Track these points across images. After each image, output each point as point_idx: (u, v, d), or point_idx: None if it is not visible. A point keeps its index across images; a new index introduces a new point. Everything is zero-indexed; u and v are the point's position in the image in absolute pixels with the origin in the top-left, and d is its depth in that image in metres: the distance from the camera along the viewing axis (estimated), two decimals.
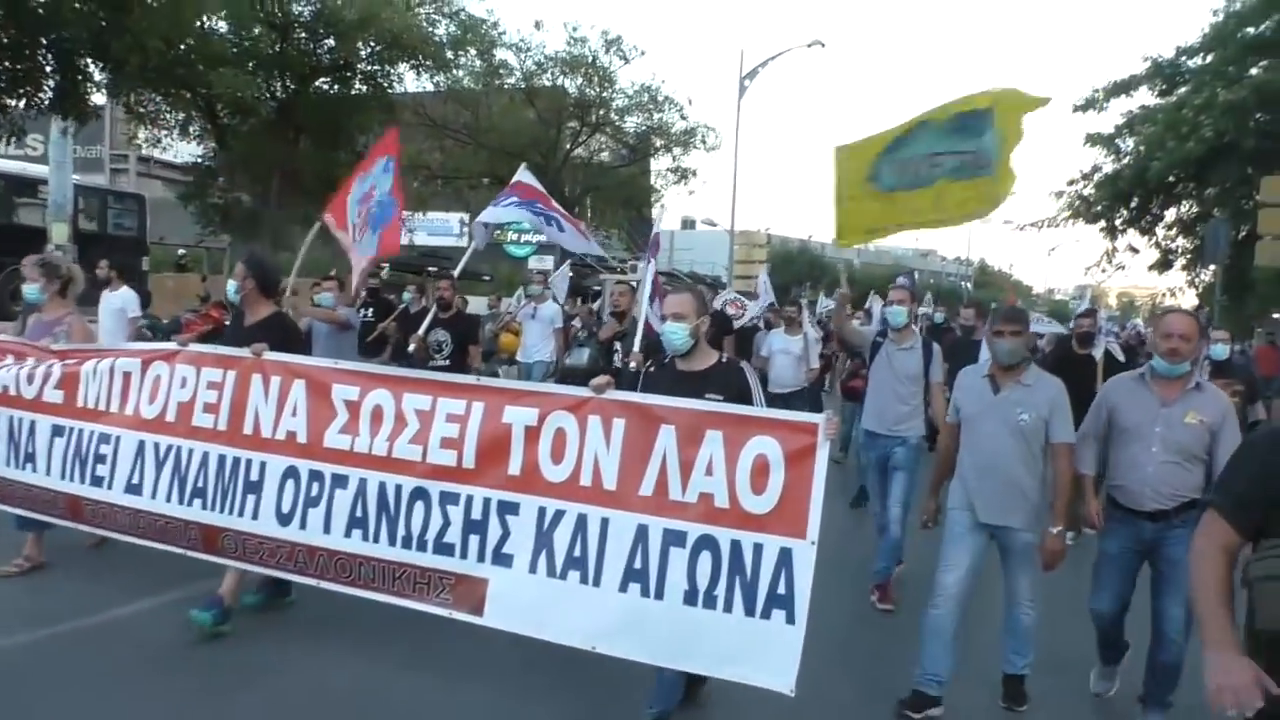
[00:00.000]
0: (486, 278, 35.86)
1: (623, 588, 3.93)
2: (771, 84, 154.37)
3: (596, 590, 3.96)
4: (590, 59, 22.56)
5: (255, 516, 4.67)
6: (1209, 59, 20.36)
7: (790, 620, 3.69)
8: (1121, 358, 9.13)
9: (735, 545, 3.80)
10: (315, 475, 4.58)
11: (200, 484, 4.83)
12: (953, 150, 4.93)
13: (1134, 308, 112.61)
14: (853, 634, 5.78)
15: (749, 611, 3.74)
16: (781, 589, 3.72)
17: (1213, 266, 22.42)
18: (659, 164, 25.00)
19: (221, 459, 4.80)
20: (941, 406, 6.44)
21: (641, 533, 3.93)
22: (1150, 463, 4.28)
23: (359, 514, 4.43)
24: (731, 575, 3.78)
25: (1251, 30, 19.07)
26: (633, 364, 6.15)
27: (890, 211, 5.20)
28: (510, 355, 13.33)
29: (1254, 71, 18.97)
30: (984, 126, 4.79)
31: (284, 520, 4.60)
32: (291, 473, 4.63)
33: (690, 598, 3.83)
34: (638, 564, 3.92)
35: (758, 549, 3.77)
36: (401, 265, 31.31)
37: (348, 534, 4.44)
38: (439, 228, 38.00)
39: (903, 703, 4.53)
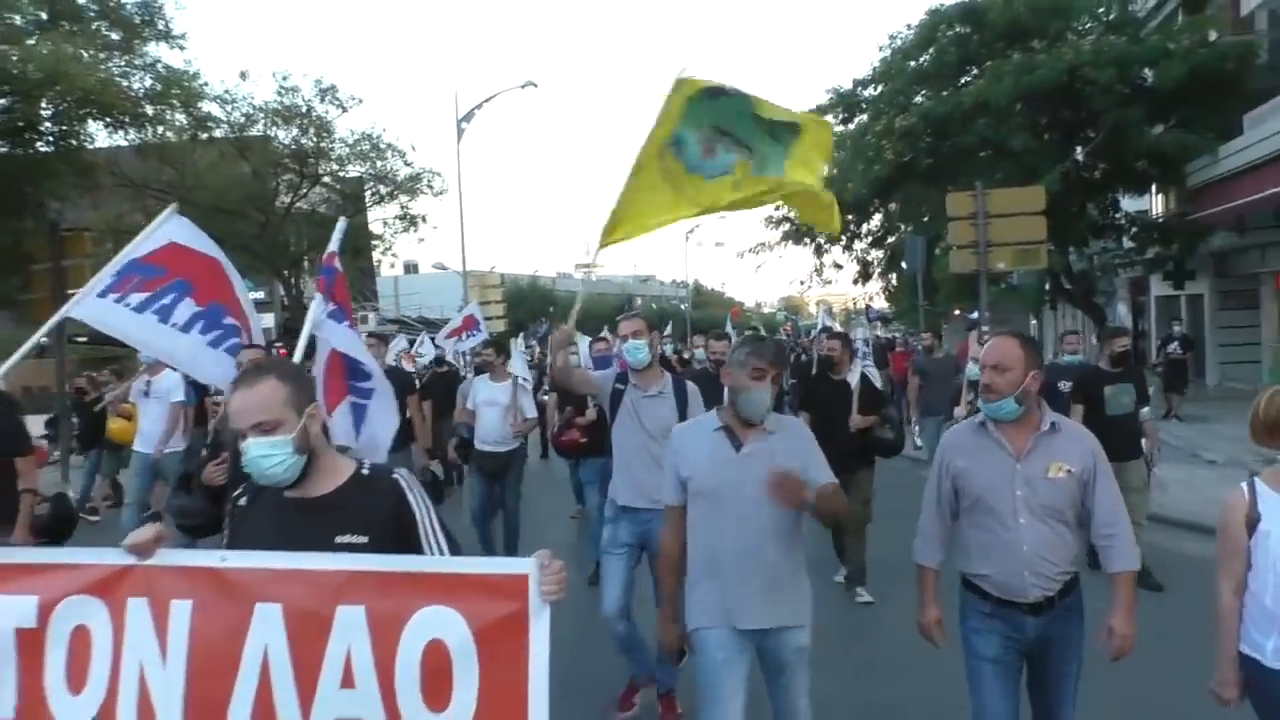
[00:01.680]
0: None
1: None
2: (491, 125, 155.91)
3: None
4: (304, 109, 21.93)
5: None
6: (880, 89, 22.82)
7: None
8: (879, 383, 8.30)
9: None
10: None
11: None
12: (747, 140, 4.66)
13: (831, 314, 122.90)
14: None
15: None
16: None
17: (898, 274, 25.29)
18: (386, 212, 24.58)
19: None
20: None
21: None
22: (1022, 539, 3.35)
23: None
24: None
25: (913, 63, 21.59)
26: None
27: (680, 200, 4.71)
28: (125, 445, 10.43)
29: (918, 100, 21.50)
30: (782, 141, 4.68)
31: None
32: None
33: None
34: None
35: None
36: (102, 338, 28.60)
37: None
38: None
39: None
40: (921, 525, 3.67)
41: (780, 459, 3.49)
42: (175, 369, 7.58)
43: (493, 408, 8.35)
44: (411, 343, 18.82)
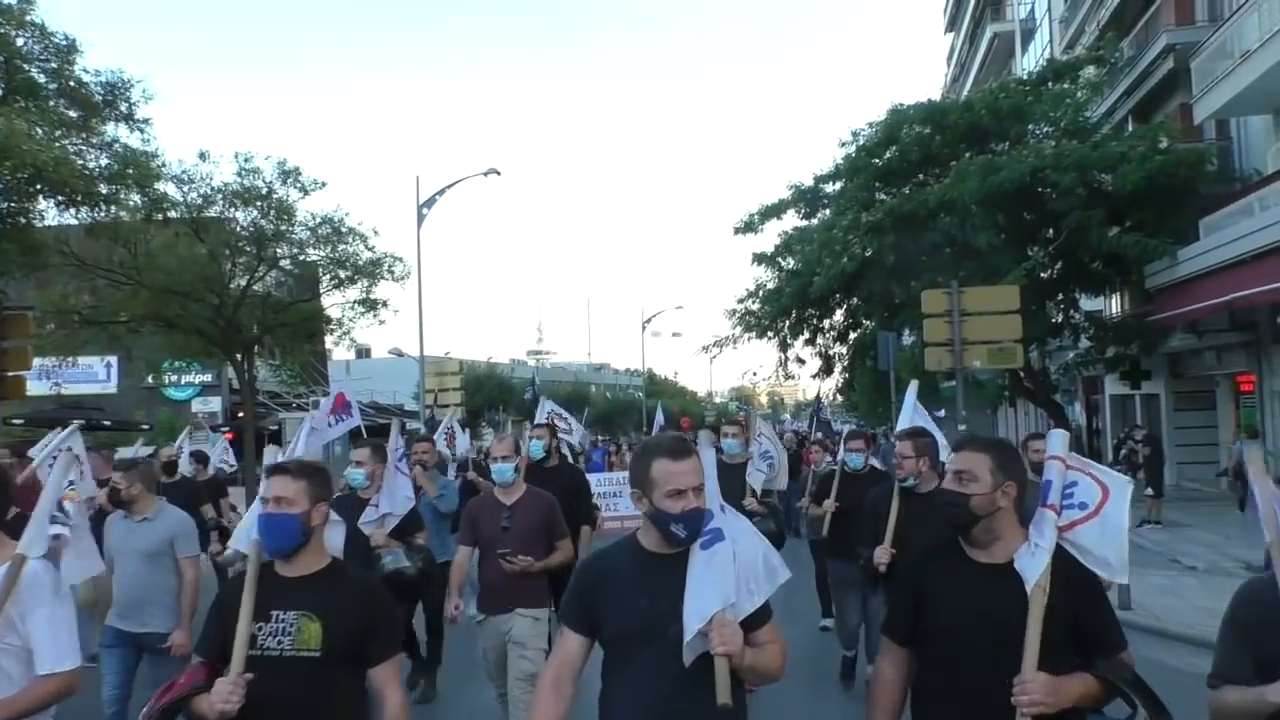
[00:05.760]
0: (145, 426, 32.37)
1: None
2: (453, 210, 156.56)
3: None
4: (265, 190, 21.50)
5: None
6: (842, 185, 23.12)
7: None
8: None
9: None
10: None
11: None
12: None
13: (783, 405, 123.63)
14: None
15: None
16: None
17: (856, 370, 25.35)
18: (347, 295, 23.99)
19: None
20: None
21: None
22: None
23: None
24: None
25: (877, 160, 21.95)
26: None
27: None
28: None
29: (881, 197, 21.78)
30: None
31: None
32: None
33: None
34: None
35: None
36: (40, 420, 27.51)
37: None
38: (83, 374, 34.06)
39: None
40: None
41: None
42: None
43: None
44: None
